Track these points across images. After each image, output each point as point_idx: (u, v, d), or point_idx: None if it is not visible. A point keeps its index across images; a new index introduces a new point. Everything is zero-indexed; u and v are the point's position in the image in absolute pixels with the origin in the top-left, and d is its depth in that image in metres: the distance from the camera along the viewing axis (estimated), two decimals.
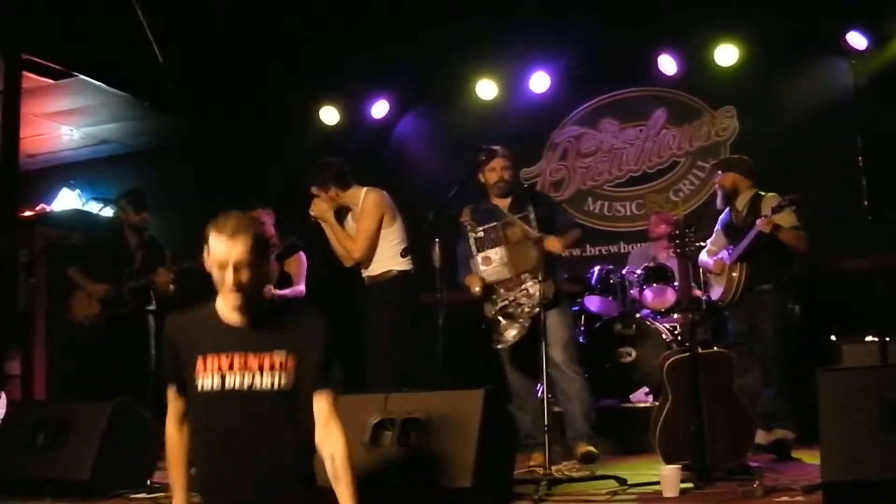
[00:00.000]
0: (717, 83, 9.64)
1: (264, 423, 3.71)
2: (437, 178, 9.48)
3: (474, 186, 6.49)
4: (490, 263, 6.30)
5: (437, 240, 6.25)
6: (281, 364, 3.71)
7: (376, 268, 6.64)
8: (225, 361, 3.73)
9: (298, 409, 3.74)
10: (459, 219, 6.52)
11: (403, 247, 6.56)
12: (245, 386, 3.70)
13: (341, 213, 6.84)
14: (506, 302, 6.25)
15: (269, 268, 3.83)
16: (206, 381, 3.73)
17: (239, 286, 3.68)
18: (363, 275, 6.73)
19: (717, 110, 9.76)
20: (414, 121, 10.86)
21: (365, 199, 6.67)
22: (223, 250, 3.67)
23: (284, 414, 3.72)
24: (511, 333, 6.24)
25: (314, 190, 6.76)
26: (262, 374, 3.70)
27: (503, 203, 6.49)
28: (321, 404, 3.74)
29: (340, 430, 3.73)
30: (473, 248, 6.44)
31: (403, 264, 6.58)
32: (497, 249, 6.30)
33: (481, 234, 6.41)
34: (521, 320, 6.21)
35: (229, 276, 3.67)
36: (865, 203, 5.86)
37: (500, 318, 6.29)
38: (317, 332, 3.79)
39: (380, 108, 10.59)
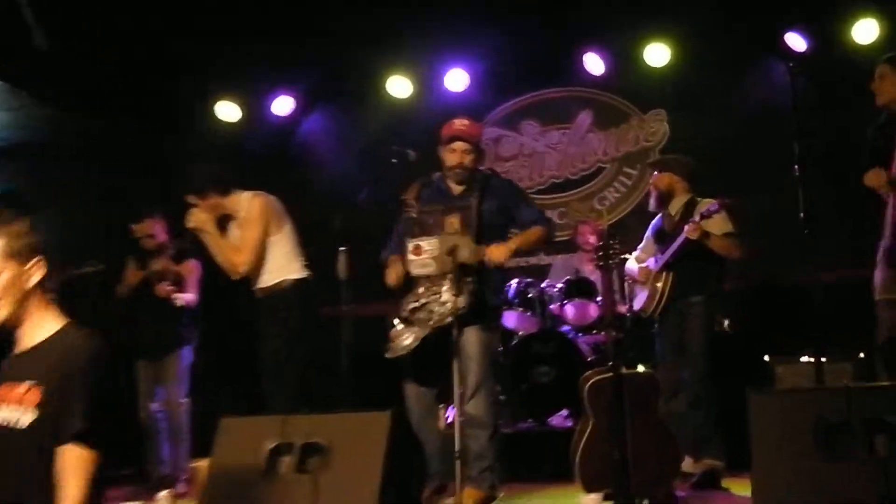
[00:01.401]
0: (646, 84, 9.70)
1: (6, 464, 3.38)
2: (346, 182, 9.36)
3: (387, 190, 6.35)
4: (420, 253, 5.86)
5: (342, 248, 6.16)
6: (20, 398, 3.38)
7: (267, 279, 6.42)
8: None
9: (38, 454, 3.34)
10: (403, 195, 6.27)
11: (296, 254, 6.45)
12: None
13: (224, 221, 6.62)
14: (417, 304, 5.87)
15: (20, 283, 3.52)
16: None
17: None
18: (253, 288, 6.53)
19: (647, 113, 9.83)
20: (321, 119, 10.75)
21: (248, 205, 6.47)
22: None
23: (24, 456, 3.35)
24: (405, 342, 5.83)
25: (191, 198, 6.48)
26: (6, 408, 3.39)
27: (457, 189, 6.14)
28: (58, 459, 3.31)
29: (68, 495, 3.27)
30: (407, 232, 6.06)
31: (297, 272, 6.43)
32: (432, 239, 5.86)
33: (417, 216, 6.05)
34: (421, 328, 5.83)
35: None
36: (801, 215, 5.87)
37: (397, 321, 5.91)
38: (67, 367, 3.38)
39: (283, 105, 10.45)
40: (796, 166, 5.97)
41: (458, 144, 6.06)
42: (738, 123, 9.10)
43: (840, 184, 6.18)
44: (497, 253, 5.85)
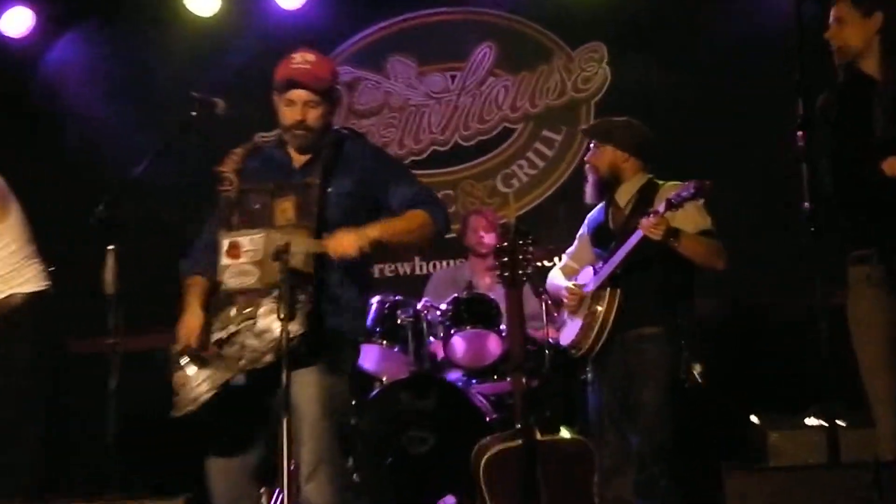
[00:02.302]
0: (578, 7, 9.82)
1: None
2: (116, 145, 9.30)
3: (181, 159, 6.26)
4: (237, 255, 5.61)
5: (109, 247, 6.08)
6: None
7: None
8: None
9: None
10: (219, 166, 6.06)
11: (31, 256, 6.35)
12: None
13: None
14: (224, 333, 5.60)
15: None
16: None
17: None
18: None
19: (578, 49, 9.96)
20: (78, 46, 10.61)
21: None
22: None
23: None
24: (197, 392, 5.57)
25: None
26: None
27: (299, 159, 5.94)
28: None
29: None
30: (222, 222, 5.80)
31: (33, 282, 6.37)
32: (256, 234, 5.62)
33: (237, 197, 5.77)
34: (225, 371, 5.58)
35: None
36: (806, 205, 5.90)
37: (185, 359, 5.61)
38: None
39: (18, 21, 10.31)
40: (799, 133, 6.02)
41: (299, 93, 5.82)
42: (715, 67, 9.20)
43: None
44: (344, 241, 5.56)
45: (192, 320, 5.69)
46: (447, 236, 7.53)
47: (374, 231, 5.60)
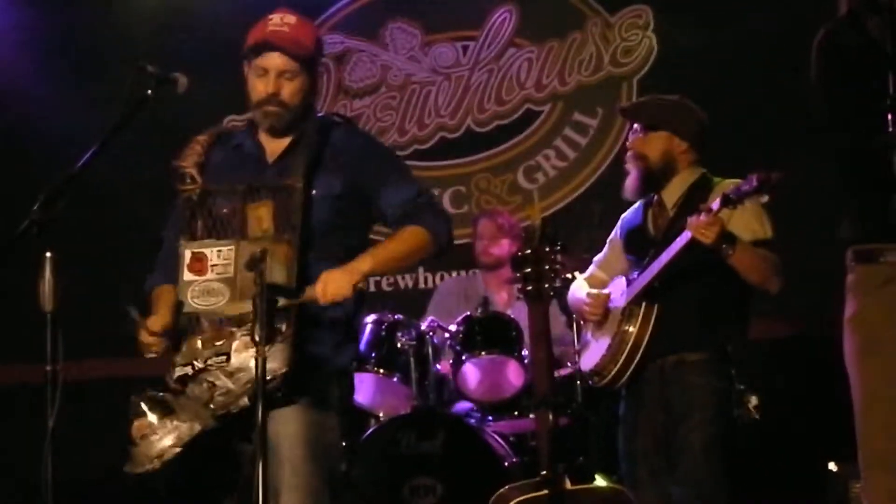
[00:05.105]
0: None
1: None
2: (56, 131, 9.33)
3: (135, 147, 6.26)
4: (202, 270, 5.49)
5: (48, 254, 6.12)
6: None
7: None
8: None
9: None
10: (177, 160, 5.93)
11: None
12: None
13: None
14: (189, 369, 5.42)
15: None
16: None
17: None
18: None
19: (618, 14, 9.97)
20: (9, 6, 10.65)
21: None
22: None
23: None
24: (160, 446, 5.36)
25: None
26: None
27: (274, 146, 5.83)
28: None
29: None
30: (183, 229, 5.62)
31: None
32: (224, 246, 5.49)
33: (199, 198, 5.60)
34: (193, 419, 5.39)
35: None
36: None
37: (145, 404, 5.38)
38: None
39: None
40: (890, 116, 6.02)
41: (272, 58, 5.66)
42: (785, 37, 9.17)
43: None
44: (334, 284, 5.44)
45: (157, 321, 5.50)
46: (457, 243, 7.56)
47: (365, 264, 5.52)
